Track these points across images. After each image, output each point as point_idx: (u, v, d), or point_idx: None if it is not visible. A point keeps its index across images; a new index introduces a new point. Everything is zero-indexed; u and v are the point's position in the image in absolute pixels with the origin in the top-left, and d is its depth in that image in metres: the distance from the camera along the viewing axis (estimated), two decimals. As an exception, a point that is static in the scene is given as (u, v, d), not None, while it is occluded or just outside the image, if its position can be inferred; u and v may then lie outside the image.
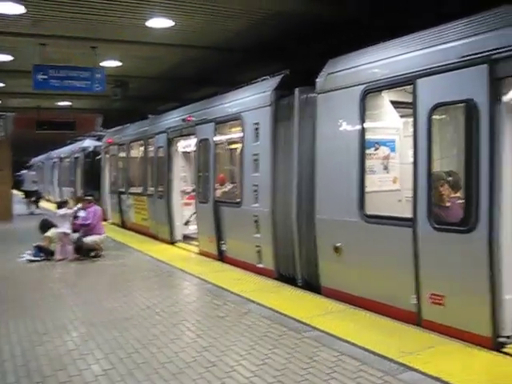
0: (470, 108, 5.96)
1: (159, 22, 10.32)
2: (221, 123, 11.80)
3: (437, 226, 6.36)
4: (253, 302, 8.02)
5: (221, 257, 11.57)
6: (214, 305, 8.05)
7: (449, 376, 5.13)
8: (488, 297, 5.81)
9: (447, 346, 5.97)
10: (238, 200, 10.77)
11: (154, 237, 15.35)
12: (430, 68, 6.48)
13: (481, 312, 5.89)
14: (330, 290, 8.19)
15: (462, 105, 6.12)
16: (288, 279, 9.27)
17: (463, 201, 6.23)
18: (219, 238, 11.59)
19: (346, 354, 5.80)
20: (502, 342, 5.84)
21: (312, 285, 8.66)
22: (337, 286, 8.06)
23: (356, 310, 7.40)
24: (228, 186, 12.64)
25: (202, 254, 12.46)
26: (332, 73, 8.30)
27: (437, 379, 5.10)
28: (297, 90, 9.10)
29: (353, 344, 6.10)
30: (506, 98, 5.86)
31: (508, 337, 5.88)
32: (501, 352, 5.74)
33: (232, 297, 8.38)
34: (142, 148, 17.04)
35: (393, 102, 7.98)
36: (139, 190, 16.92)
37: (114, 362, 5.83)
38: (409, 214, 6.72)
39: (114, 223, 19.25)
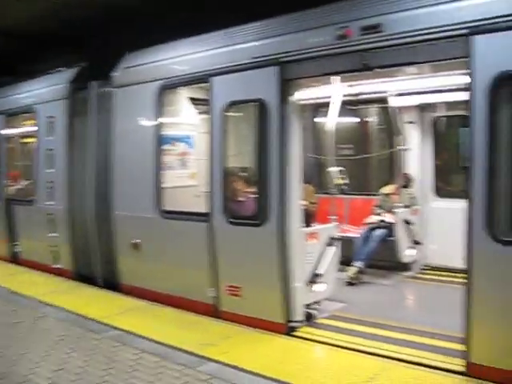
0: (261, 107, 6.24)
1: None
2: (12, 115, 11.08)
3: (232, 220, 6.59)
4: (49, 305, 7.65)
5: (15, 259, 10.89)
6: (6, 311, 7.50)
7: (245, 363, 5.36)
8: (280, 285, 6.16)
9: (244, 335, 6.24)
10: (32, 198, 10.18)
11: None
12: (225, 67, 6.67)
13: (274, 300, 6.22)
14: (130, 288, 8.11)
15: (254, 103, 6.38)
16: (88, 279, 8.99)
17: (256, 195, 6.51)
18: (12, 238, 10.89)
19: (147, 351, 5.77)
20: (293, 326, 6.26)
21: (112, 283, 8.48)
22: (137, 283, 8.01)
23: (157, 306, 7.41)
24: (22, 183, 11.87)
25: (-7, 256, 11.59)
26: (129, 67, 8.21)
27: (234, 367, 5.30)
28: (93, 84, 8.86)
29: (153, 340, 6.09)
30: (294, 99, 6.24)
31: (298, 321, 6.31)
32: (293, 336, 6.15)
33: (26, 301, 7.91)
34: None
35: (193, 99, 8.09)
36: None
37: None
38: (206, 209, 6.87)
39: None
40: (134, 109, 8.01)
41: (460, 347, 5.02)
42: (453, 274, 8.01)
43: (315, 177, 9.51)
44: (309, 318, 6.45)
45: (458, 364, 5.03)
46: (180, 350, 5.80)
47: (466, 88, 4.85)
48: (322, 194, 8.50)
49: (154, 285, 7.73)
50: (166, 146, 7.85)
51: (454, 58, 5.01)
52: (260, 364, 5.34)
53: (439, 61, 5.25)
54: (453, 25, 4.89)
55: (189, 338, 6.13)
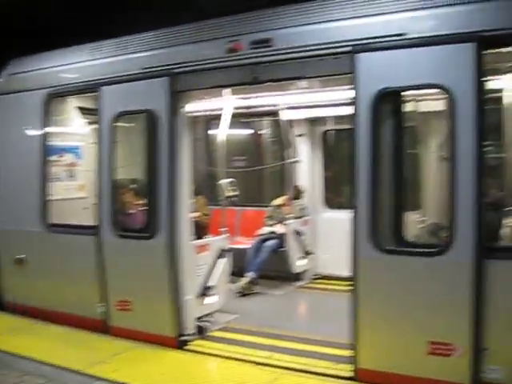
0: (151, 118, 6.17)
1: None
2: None
3: (121, 233, 6.46)
4: None
5: None
6: None
7: (135, 380, 5.24)
8: (170, 299, 6.09)
9: (135, 351, 6.10)
10: None
11: None
12: (114, 77, 6.55)
13: (165, 314, 6.15)
14: (15, 306, 7.71)
15: (144, 114, 6.29)
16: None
17: (146, 208, 6.42)
18: None
19: (31, 373, 5.49)
20: (185, 340, 6.20)
21: (-5, 302, 8.03)
22: (22, 300, 7.62)
23: (43, 325, 7.10)
24: None
25: None
26: (14, 73, 7.86)
27: (126, 385, 5.16)
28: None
29: (38, 361, 5.82)
30: (184, 110, 6.23)
31: (190, 334, 6.26)
32: (185, 350, 6.09)
33: None
34: None
35: (82, 109, 7.86)
36: None
37: None
38: (94, 222, 6.68)
39: None
40: (18, 117, 7.66)
41: (349, 353, 5.16)
42: (342, 283, 8.23)
43: (208, 189, 9.51)
44: (201, 331, 6.41)
45: (346, 370, 5.17)
46: (67, 369, 5.57)
47: (352, 102, 5.04)
48: (215, 206, 8.52)
49: (41, 302, 7.38)
50: (52, 157, 7.57)
51: (340, 74, 5.20)
52: (152, 380, 5.26)
53: (326, 76, 5.43)
54: (338, 42, 5.09)
55: (77, 357, 5.91)
